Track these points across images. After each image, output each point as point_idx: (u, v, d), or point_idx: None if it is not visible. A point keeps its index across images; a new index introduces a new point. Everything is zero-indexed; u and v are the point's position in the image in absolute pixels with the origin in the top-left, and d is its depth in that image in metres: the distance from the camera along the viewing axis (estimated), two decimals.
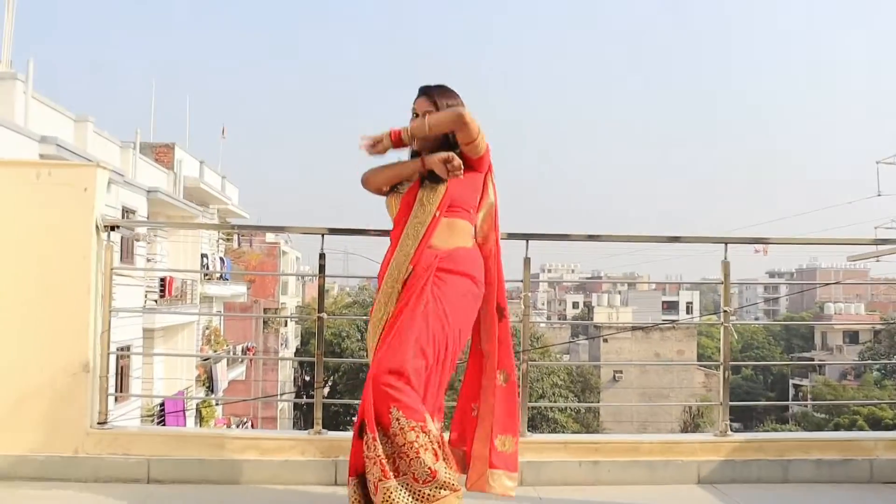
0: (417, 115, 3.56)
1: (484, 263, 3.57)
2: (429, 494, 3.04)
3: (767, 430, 35.09)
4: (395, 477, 3.04)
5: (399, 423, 3.07)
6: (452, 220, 3.47)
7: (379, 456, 3.04)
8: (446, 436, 3.52)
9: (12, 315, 4.01)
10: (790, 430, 36.02)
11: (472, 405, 3.66)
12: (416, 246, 3.41)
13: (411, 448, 3.06)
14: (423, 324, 3.24)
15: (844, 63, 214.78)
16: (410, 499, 3.02)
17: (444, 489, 3.06)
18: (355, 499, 3.13)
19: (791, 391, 64.02)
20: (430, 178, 3.48)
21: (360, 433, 3.13)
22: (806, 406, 48.53)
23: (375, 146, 3.54)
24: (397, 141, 3.51)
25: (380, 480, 3.03)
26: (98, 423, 4.07)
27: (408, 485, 3.04)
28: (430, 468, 3.05)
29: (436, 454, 3.11)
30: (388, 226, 3.65)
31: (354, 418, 3.41)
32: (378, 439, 3.06)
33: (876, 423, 35.94)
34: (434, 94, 3.58)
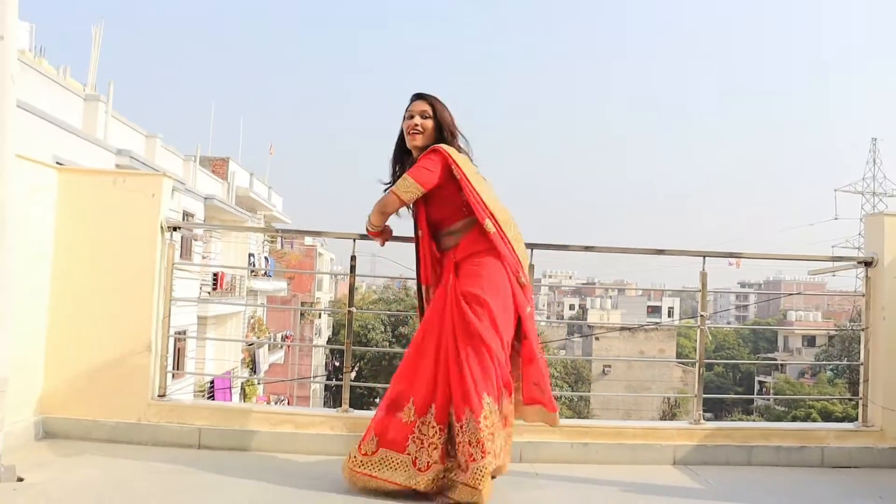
0: (412, 117, 3.50)
1: None
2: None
3: (735, 420, 34.81)
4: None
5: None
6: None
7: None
8: None
9: (91, 301, 4.04)
10: (754, 421, 35.80)
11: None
12: None
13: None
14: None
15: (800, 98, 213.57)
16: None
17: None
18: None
19: (756, 387, 63.61)
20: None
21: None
22: (768, 400, 48.23)
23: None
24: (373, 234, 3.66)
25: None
26: (158, 396, 4.11)
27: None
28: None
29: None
30: (409, 233, 3.65)
31: (377, 399, 3.45)
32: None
33: (827, 416, 35.77)
34: (430, 98, 3.53)
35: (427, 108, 3.50)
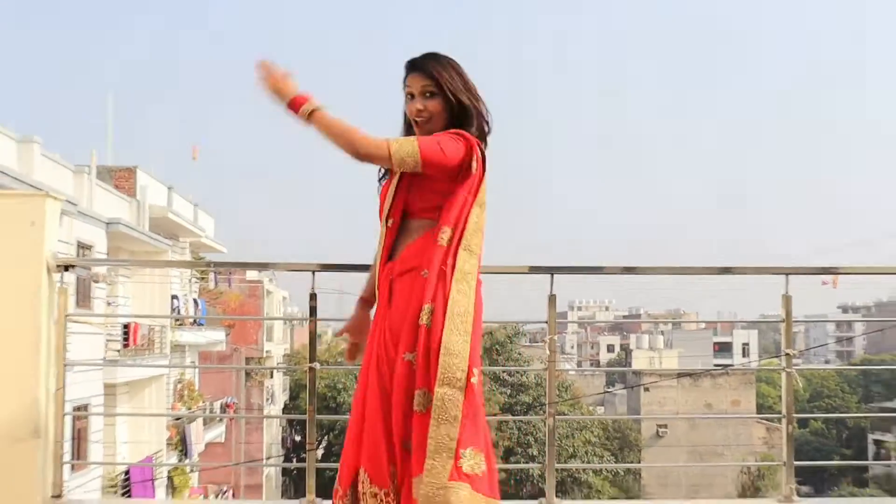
0: (413, 97, 3.38)
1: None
2: None
3: (842, 496, 34.77)
4: None
5: None
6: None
7: None
8: None
9: None
10: (870, 496, 35.65)
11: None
12: None
13: None
14: None
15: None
16: None
17: None
18: None
19: (871, 448, 63.53)
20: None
21: None
22: (889, 466, 48.16)
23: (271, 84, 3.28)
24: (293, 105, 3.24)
25: None
26: (52, 497, 4.07)
27: None
28: None
29: None
30: None
31: None
32: None
33: None
34: (430, 67, 3.38)
35: (429, 82, 3.36)
